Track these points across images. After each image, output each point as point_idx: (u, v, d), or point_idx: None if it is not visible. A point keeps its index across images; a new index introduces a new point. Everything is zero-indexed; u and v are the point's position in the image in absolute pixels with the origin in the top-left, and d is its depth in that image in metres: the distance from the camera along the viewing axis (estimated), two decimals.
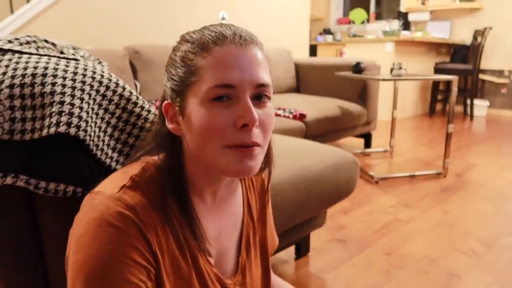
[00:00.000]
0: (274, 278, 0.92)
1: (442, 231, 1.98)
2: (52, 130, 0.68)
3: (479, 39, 5.00)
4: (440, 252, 1.76)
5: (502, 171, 2.96)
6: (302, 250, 1.72)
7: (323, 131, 2.94)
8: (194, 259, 0.64)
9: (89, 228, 0.55)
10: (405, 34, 5.07)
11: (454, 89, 2.67)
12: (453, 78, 2.65)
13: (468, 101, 5.29)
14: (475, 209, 2.25)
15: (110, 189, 0.58)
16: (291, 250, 1.73)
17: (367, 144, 3.54)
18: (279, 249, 1.59)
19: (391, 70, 2.84)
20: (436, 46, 5.74)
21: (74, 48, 1.05)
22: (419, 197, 2.42)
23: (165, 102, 0.64)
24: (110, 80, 0.82)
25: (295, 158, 1.41)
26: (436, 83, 5.45)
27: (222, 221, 0.71)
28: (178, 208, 0.63)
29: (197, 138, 0.59)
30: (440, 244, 1.84)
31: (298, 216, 1.35)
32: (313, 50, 6.60)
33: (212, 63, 0.57)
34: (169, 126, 0.64)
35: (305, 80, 3.79)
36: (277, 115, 2.76)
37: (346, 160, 1.49)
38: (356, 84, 3.34)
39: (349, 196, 2.41)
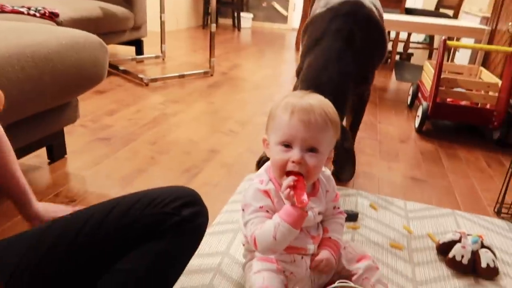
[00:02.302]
0: None
1: (206, 118, 2.09)
2: None
3: None
4: (203, 135, 1.85)
5: (260, 69, 3.31)
6: (56, 153, 1.52)
7: None
8: None
9: None
10: None
11: None
12: None
13: (236, 14, 5.63)
14: (236, 99, 2.45)
15: None
16: (43, 155, 1.51)
17: (139, 52, 3.38)
18: (25, 152, 1.36)
19: None
20: None
21: None
22: (187, 93, 2.48)
23: None
24: None
25: (19, 35, 1.15)
26: None
27: None
28: None
29: None
30: (203, 129, 1.94)
31: (32, 102, 1.14)
32: None
33: None
34: None
35: None
36: (19, 12, 2.27)
37: (89, 41, 1.32)
38: None
39: (116, 98, 2.27)
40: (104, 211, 0.69)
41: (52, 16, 2.37)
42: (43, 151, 1.50)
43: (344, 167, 1.50)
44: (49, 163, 1.50)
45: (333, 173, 1.49)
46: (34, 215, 0.84)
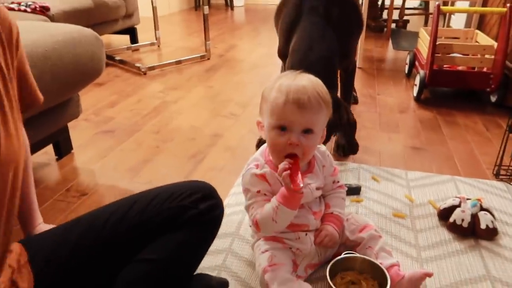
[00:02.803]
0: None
1: (206, 103, 2.11)
2: None
3: None
4: (205, 120, 1.88)
5: (257, 48, 3.30)
6: (63, 149, 1.55)
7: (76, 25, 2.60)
8: None
9: None
10: None
11: None
12: None
13: None
14: (235, 81, 2.46)
15: None
16: (50, 152, 1.55)
17: (134, 40, 3.36)
18: (33, 151, 1.39)
19: None
20: None
21: None
22: (186, 79, 2.49)
23: None
24: None
25: None
26: None
27: None
28: None
29: None
30: (204, 114, 1.96)
31: None
32: None
33: None
34: None
35: None
36: (10, 9, 2.27)
37: (84, 35, 1.33)
38: None
39: (116, 90, 2.28)
40: (125, 206, 0.74)
41: (43, 10, 2.37)
42: (50, 148, 1.54)
43: (351, 140, 1.51)
44: (57, 159, 1.54)
45: (339, 149, 1.52)
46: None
